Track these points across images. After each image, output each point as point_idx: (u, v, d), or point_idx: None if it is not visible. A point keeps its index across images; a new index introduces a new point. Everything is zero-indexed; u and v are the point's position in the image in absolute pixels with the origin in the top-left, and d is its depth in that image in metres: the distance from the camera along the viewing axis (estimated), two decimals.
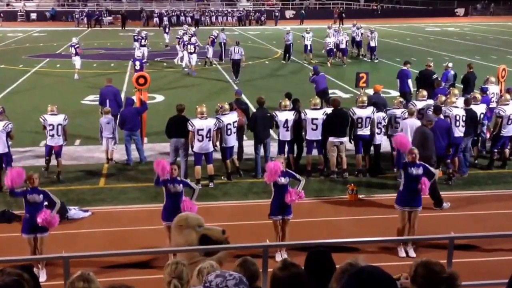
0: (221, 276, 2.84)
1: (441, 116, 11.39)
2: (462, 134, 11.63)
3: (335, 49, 27.96)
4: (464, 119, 11.60)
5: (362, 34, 29.67)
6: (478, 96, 12.73)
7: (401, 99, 12.90)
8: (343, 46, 27.82)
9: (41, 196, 7.84)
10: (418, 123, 11.28)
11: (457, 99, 12.58)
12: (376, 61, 28.31)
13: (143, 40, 27.42)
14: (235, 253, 7.62)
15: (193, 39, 25.51)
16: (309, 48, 28.11)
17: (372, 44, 28.36)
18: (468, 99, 12.35)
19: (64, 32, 44.01)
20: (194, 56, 24.52)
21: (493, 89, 14.08)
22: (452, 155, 11.73)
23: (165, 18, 46.57)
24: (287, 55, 28.28)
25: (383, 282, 2.41)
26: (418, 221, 8.57)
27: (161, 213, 8.37)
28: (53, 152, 11.88)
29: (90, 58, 29.59)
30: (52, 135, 11.72)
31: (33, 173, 8.06)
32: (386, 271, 2.45)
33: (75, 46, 23.73)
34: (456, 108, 11.74)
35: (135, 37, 28.01)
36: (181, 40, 26.39)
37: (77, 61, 23.66)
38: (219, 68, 26.60)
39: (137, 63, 19.59)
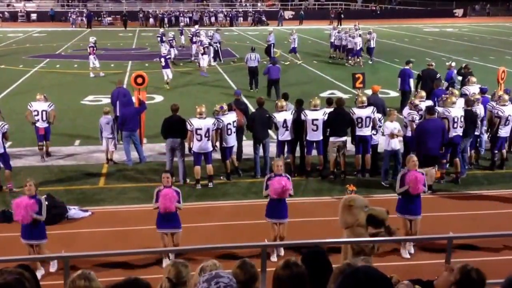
0: (207, 282, 2.91)
1: (435, 116, 11.38)
2: (460, 133, 11.62)
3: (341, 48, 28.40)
4: (462, 120, 11.58)
5: (360, 35, 29.71)
6: (479, 97, 12.75)
7: (416, 102, 12.44)
8: (350, 46, 28.02)
9: (38, 204, 7.86)
10: (397, 126, 11.25)
11: (457, 99, 12.57)
12: (370, 62, 28.28)
13: (173, 41, 28.58)
14: (234, 253, 7.67)
15: (205, 40, 25.75)
16: (290, 48, 28.18)
17: (371, 45, 28.40)
18: (469, 99, 12.33)
19: (64, 33, 44.05)
20: (205, 57, 24.94)
21: (474, 89, 14.13)
22: (451, 156, 11.74)
23: (183, 19, 47.47)
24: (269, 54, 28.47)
25: (378, 282, 2.44)
26: (420, 230, 8.58)
27: (156, 222, 8.31)
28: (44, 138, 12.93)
29: (89, 58, 29.59)
30: (38, 120, 12.77)
31: (29, 180, 8.00)
32: (382, 271, 2.48)
33: (91, 46, 24.46)
34: (455, 109, 11.73)
35: (162, 37, 29.29)
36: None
37: (92, 60, 24.45)
38: (218, 69, 26.63)
39: (162, 59, 21.52)
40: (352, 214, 6.16)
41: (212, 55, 27.20)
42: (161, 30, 32.93)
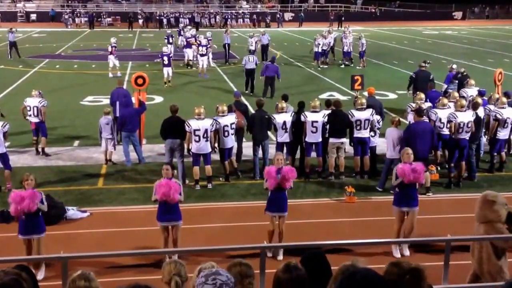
0: (205, 277, 2.92)
1: (424, 119, 11.35)
2: (467, 137, 11.48)
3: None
4: (469, 124, 11.41)
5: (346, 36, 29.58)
6: (480, 100, 12.74)
7: (423, 106, 12.24)
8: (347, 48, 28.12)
9: (39, 194, 7.86)
10: (398, 132, 11.18)
11: (466, 102, 12.50)
12: (343, 66, 27.92)
13: (192, 40, 27.90)
14: (234, 255, 7.67)
15: (204, 41, 25.75)
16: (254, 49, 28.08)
17: (346, 48, 27.86)
18: (476, 103, 12.27)
19: (64, 33, 44.07)
20: (205, 59, 24.86)
21: (472, 92, 14.11)
22: (457, 159, 11.67)
23: (183, 20, 47.62)
24: (264, 55, 28.54)
25: (376, 284, 2.45)
26: (416, 221, 8.59)
27: (157, 214, 8.32)
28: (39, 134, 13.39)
29: (89, 59, 29.69)
30: (30, 115, 13.22)
31: (29, 174, 7.99)
32: (380, 274, 2.49)
33: (112, 46, 24.49)
34: (463, 113, 11.49)
35: (169, 38, 29.05)
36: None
37: (111, 60, 24.42)
38: (219, 70, 26.64)
39: (165, 58, 21.65)
40: (494, 210, 6.23)
41: (211, 56, 27.23)
42: (168, 31, 32.98)
